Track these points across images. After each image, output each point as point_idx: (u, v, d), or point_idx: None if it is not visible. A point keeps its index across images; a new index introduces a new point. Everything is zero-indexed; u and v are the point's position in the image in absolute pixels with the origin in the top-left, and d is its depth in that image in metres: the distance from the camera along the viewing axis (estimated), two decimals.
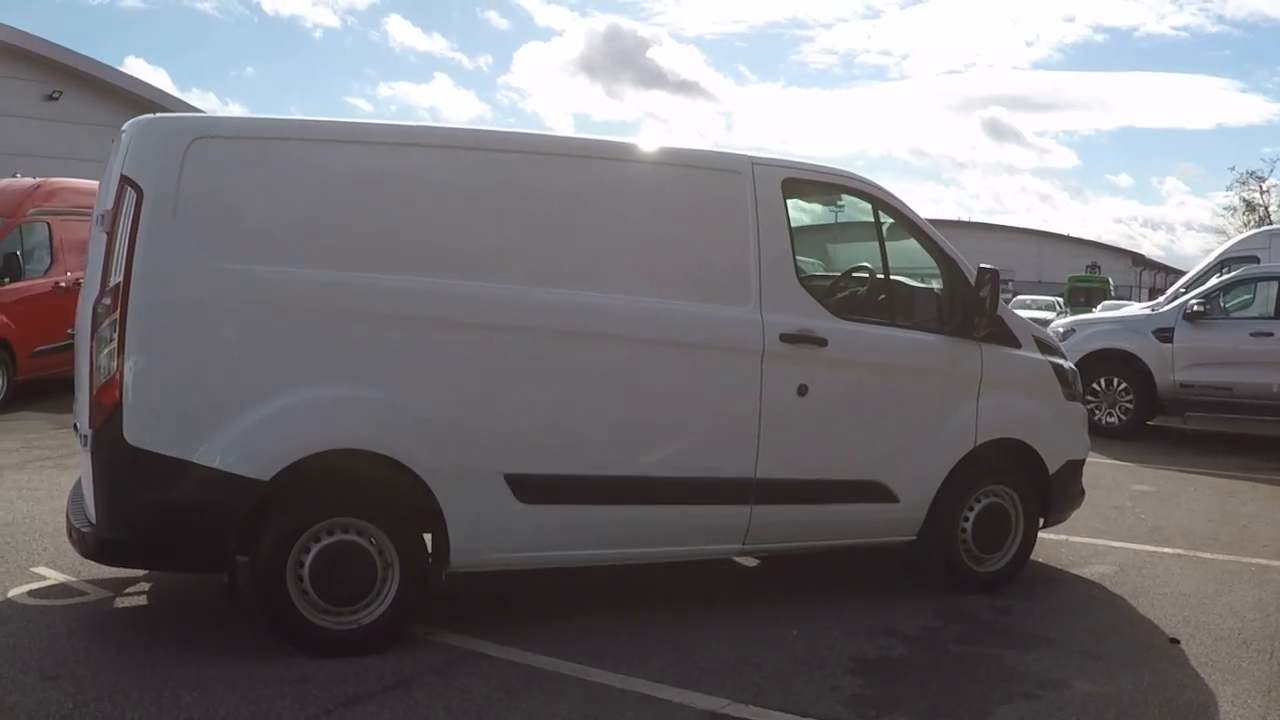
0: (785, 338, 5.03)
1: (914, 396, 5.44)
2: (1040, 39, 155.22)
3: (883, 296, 5.58)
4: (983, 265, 5.54)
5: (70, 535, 4.44)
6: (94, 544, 4.26)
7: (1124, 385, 11.47)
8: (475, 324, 4.54)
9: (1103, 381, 11.57)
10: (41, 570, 5.23)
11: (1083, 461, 6.12)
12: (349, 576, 4.35)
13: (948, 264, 5.62)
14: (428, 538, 4.60)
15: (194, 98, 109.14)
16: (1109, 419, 11.57)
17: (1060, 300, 37.27)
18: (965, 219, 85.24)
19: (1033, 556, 6.38)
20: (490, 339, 4.57)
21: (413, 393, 4.44)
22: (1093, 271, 50.46)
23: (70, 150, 22.05)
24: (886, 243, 5.51)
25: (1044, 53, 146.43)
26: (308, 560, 4.29)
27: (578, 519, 4.74)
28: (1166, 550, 6.73)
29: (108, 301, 4.15)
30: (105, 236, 4.28)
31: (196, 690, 3.94)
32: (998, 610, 5.36)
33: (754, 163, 5.15)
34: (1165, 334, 11.22)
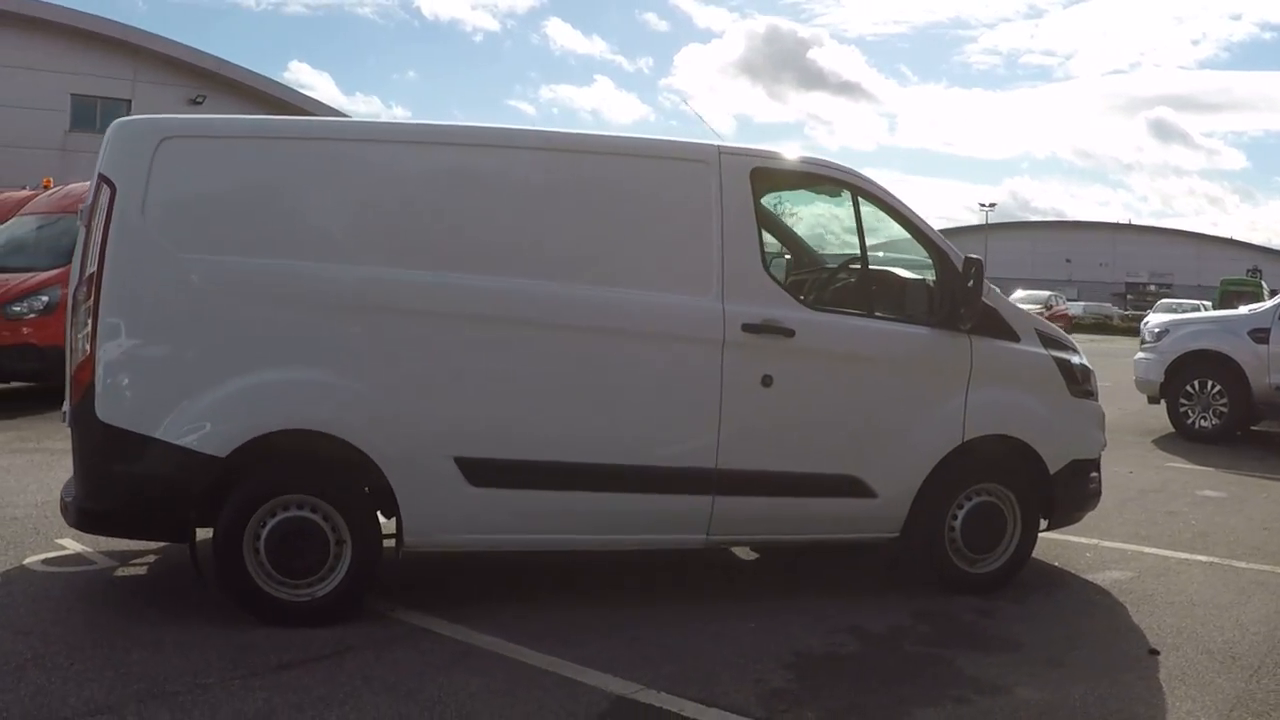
0: (748, 327, 5.00)
1: (892, 390, 5.30)
2: (1206, 37, 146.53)
3: (862, 287, 5.45)
4: (969, 255, 5.36)
5: (60, 507, 4.82)
6: (75, 513, 4.62)
7: (1218, 388, 10.78)
8: (428, 311, 4.70)
9: (1196, 384, 10.92)
10: (64, 541, 5.65)
11: (1093, 461, 5.83)
12: (302, 551, 4.57)
13: (937, 254, 5.46)
14: (393, 518, 4.79)
15: (358, 102, 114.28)
16: (1203, 423, 10.91)
17: (1208, 304, 35.24)
18: (1132, 222, 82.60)
19: (1050, 559, 6.18)
20: (443, 326, 4.72)
21: (364, 377, 4.63)
22: (1253, 275, 47.56)
23: None
24: (866, 232, 5.39)
25: (1210, 51, 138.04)
26: (263, 534, 4.53)
27: (531, 504, 4.83)
28: (1199, 558, 6.35)
29: (84, 290, 4.49)
30: (85, 230, 4.63)
31: (148, 649, 4.23)
32: (981, 612, 5.18)
33: (721, 152, 5.13)
34: (1261, 334, 10.50)
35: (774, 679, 4.25)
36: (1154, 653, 4.69)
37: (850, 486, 5.23)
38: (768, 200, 6.51)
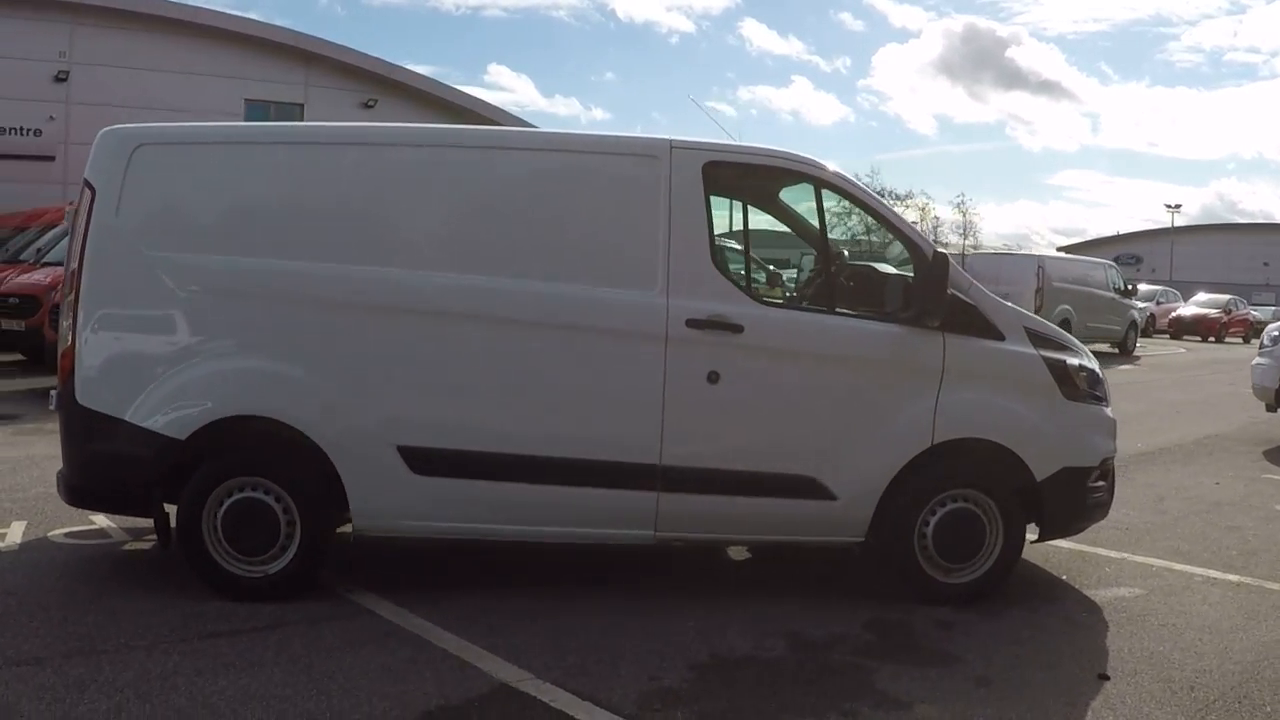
0: (692, 323, 4.95)
1: (853, 388, 5.13)
2: None
3: (828, 282, 5.29)
4: (937, 250, 5.11)
5: (56, 484, 5.29)
6: (64, 489, 5.08)
7: None
8: (372, 305, 4.91)
9: None
10: (96, 518, 6.12)
11: (1092, 469, 5.43)
12: (255, 530, 4.86)
13: (909, 248, 5.24)
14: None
15: (557, 104, 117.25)
16: None
17: None
18: None
19: (1059, 572, 5.88)
20: (388, 320, 4.91)
21: (313, 367, 4.88)
22: None
23: None
24: (829, 226, 5.24)
25: None
26: (220, 513, 4.85)
27: (473, 493, 4.96)
28: (1230, 577, 5.84)
29: (68, 284, 4.94)
30: (71, 230, 5.08)
31: (104, 613, 4.63)
32: (942, 624, 4.94)
33: (673, 146, 5.11)
34: None
35: (671, 678, 4.22)
36: (1103, 678, 4.37)
37: (807, 488, 5.09)
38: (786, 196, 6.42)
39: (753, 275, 6.92)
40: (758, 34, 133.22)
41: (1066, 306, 21.16)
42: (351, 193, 5.01)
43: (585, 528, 5.11)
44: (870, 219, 5.35)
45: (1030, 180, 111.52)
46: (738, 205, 6.21)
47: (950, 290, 5.12)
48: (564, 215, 5.09)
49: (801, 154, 5.31)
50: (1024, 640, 4.81)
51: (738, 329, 4.99)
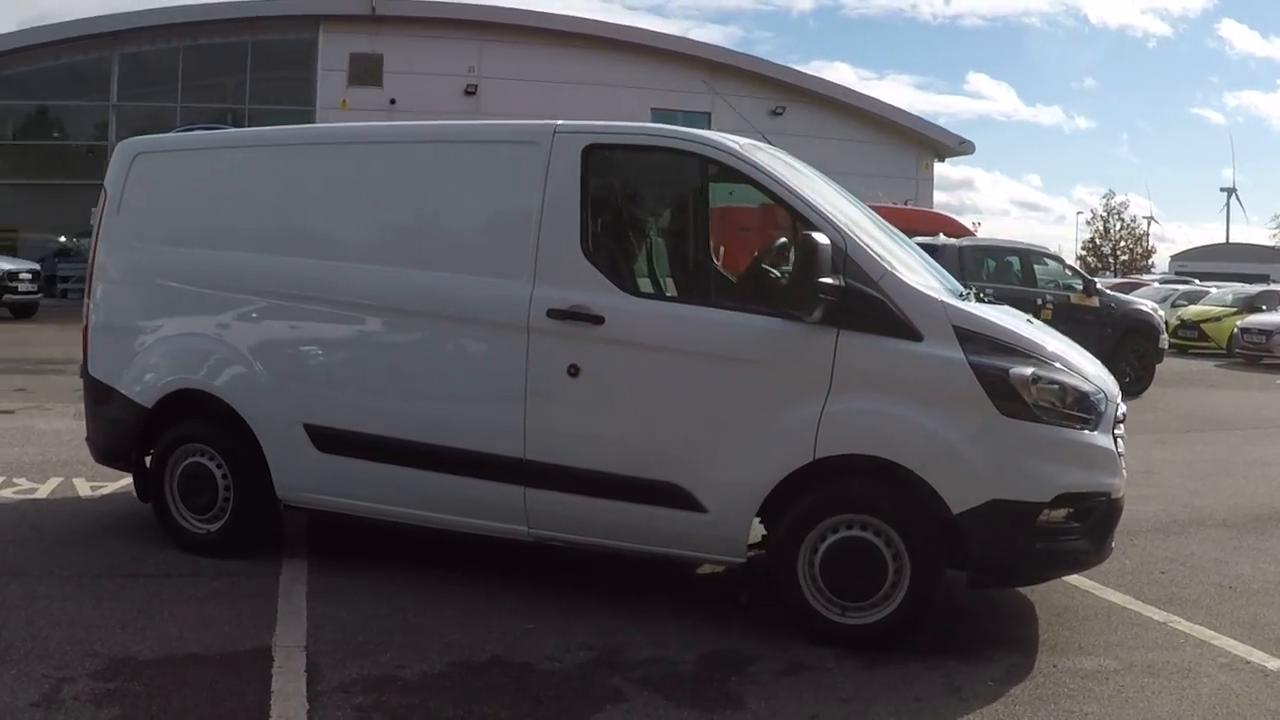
0: (553, 313, 4.76)
1: (723, 389, 4.60)
2: None
3: (704, 270, 4.74)
4: (811, 234, 4.36)
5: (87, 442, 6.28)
6: (89, 446, 6.10)
7: None
8: (280, 293, 5.38)
9: None
10: None
11: (1037, 505, 4.34)
12: (199, 492, 5.51)
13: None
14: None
15: (1039, 112, 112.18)
16: None
17: None
18: None
19: (1044, 629, 4.85)
20: (292, 306, 5.37)
21: (241, 348, 5.43)
22: None
23: None
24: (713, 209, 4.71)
25: None
26: (176, 474, 5.56)
27: (368, 473, 5.17)
28: (1273, 664, 4.42)
29: (89, 272, 5.94)
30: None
31: (72, 549, 5.48)
32: (790, 669, 4.25)
33: (556, 131, 4.93)
34: None
35: (411, 672, 4.12)
36: None
37: (674, 496, 4.65)
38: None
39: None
40: (1238, 35, 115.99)
41: None
42: (269, 190, 5.51)
43: (463, 517, 5.10)
44: (770, 198, 4.65)
45: None
46: None
47: (842, 280, 4.39)
48: (453, 205, 5.17)
49: (694, 130, 4.85)
50: (852, 700, 3.98)
51: (598, 320, 4.70)
